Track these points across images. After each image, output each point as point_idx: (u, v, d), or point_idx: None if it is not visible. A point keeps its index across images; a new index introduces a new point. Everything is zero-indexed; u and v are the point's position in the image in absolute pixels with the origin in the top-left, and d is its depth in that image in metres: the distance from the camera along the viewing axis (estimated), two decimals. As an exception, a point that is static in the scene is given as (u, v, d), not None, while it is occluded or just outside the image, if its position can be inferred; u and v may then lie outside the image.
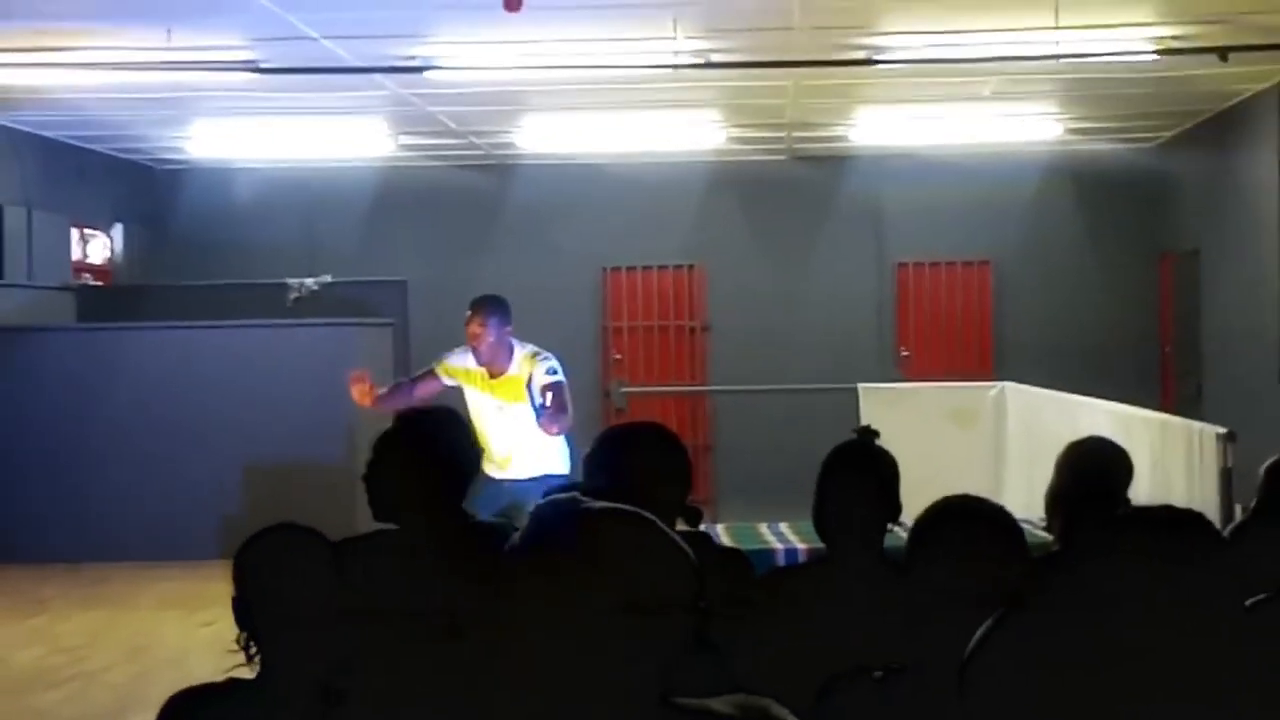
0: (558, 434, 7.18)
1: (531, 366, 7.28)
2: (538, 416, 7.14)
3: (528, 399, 7.27)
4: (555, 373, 7.28)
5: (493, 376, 7.34)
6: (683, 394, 14.09)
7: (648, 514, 2.02)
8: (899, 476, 3.39)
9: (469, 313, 7.39)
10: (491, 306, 7.37)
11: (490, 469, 7.23)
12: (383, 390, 7.61)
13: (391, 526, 3.40)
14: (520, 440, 7.31)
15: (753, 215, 14.68)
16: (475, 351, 7.34)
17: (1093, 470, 3.91)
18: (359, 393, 7.49)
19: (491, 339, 7.28)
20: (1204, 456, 6.64)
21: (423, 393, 7.47)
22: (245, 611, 2.95)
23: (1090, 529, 2.46)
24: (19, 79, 9.66)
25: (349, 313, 11.87)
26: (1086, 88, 11.14)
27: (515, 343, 7.39)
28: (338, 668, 2.79)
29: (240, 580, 2.96)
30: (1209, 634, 2.31)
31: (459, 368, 7.46)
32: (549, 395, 7.10)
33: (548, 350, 7.42)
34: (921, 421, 10.26)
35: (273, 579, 2.93)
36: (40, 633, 8.73)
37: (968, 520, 3.01)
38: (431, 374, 7.56)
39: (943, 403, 10.87)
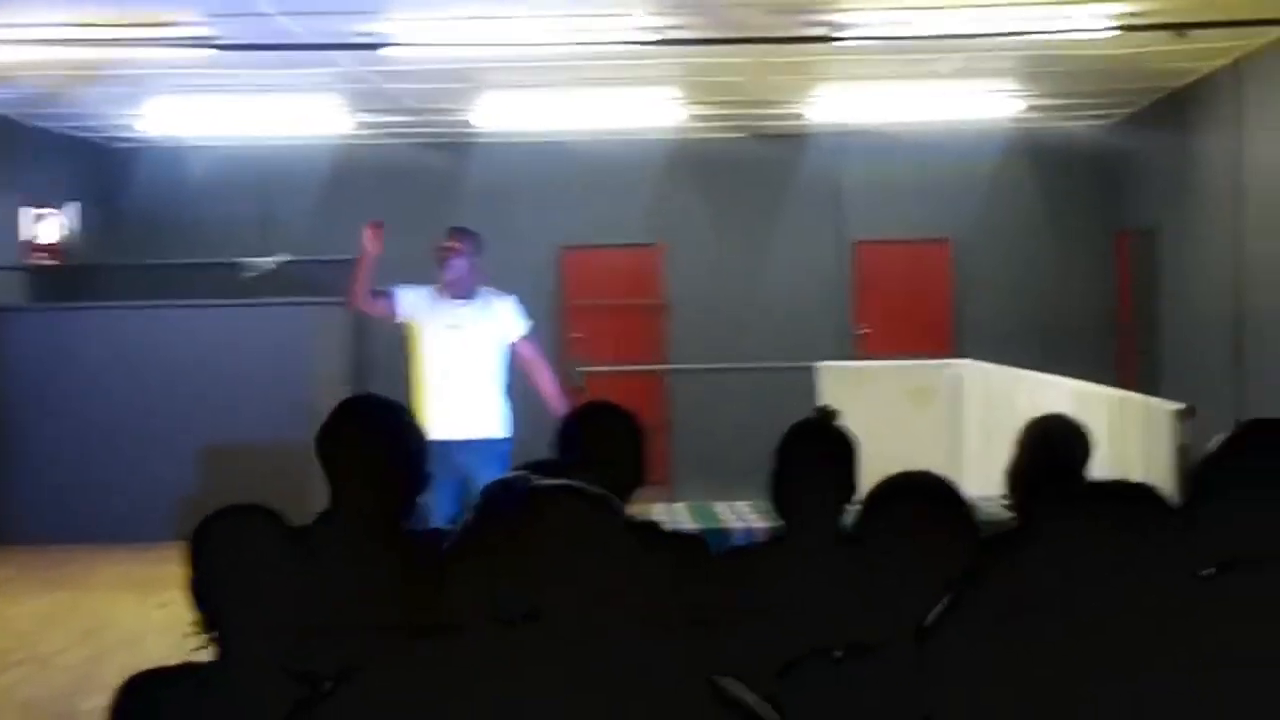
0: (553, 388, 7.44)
1: (499, 302, 7.51)
2: (510, 363, 7.39)
3: (491, 330, 7.40)
4: (523, 321, 7.54)
5: (457, 298, 7.39)
6: (641, 373, 14.05)
7: (600, 491, 2.00)
8: (858, 456, 3.38)
9: (440, 240, 7.53)
10: (468, 234, 7.55)
11: (433, 428, 7.10)
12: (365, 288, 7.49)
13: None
14: (473, 379, 7.33)
15: (712, 194, 14.66)
16: (446, 266, 7.39)
17: (1052, 447, 3.91)
18: (372, 239, 7.38)
19: (462, 257, 7.40)
20: (1160, 432, 6.66)
21: (380, 308, 7.51)
22: (201, 593, 2.90)
23: (1048, 504, 2.46)
24: (-32, 55, 9.54)
25: (306, 292, 11.76)
26: (1045, 65, 11.16)
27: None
28: (299, 650, 2.74)
29: (196, 561, 2.91)
30: (1163, 603, 2.31)
31: (418, 300, 7.47)
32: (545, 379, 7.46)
33: None
34: (880, 400, 10.26)
35: (228, 559, 2.88)
36: (-7, 615, 8.65)
37: (916, 495, 3.02)
38: (388, 293, 7.51)
39: (901, 381, 10.86)
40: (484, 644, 1.90)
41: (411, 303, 7.46)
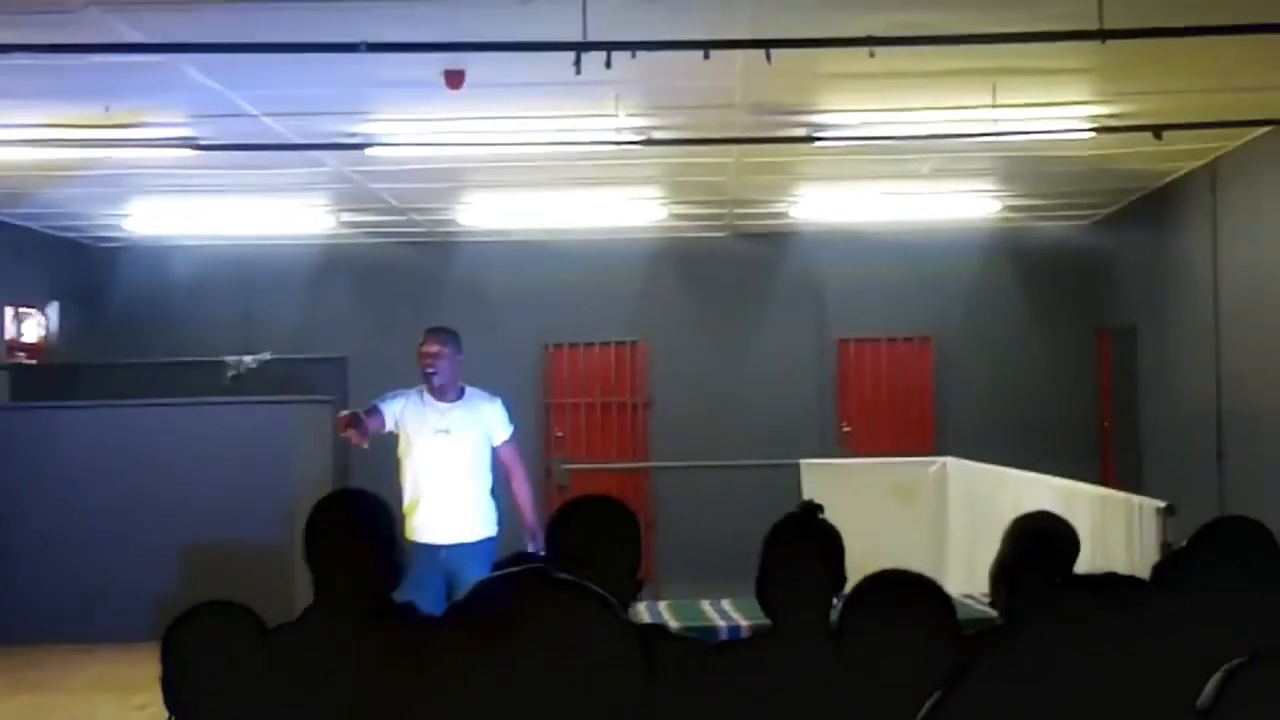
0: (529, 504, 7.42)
1: (487, 404, 7.44)
2: (493, 468, 7.35)
3: (478, 435, 7.34)
4: (511, 424, 7.49)
5: (441, 401, 7.31)
6: (625, 470, 14.04)
7: (593, 587, 1.99)
8: (843, 549, 3.37)
9: (422, 338, 7.44)
10: (447, 333, 7.47)
11: (422, 531, 7.18)
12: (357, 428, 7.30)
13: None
14: (461, 483, 7.28)
15: (694, 292, 14.73)
16: (430, 373, 7.29)
17: (1039, 544, 3.91)
18: (354, 436, 7.19)
19: (446, 360, 7.31)
20: (1144, 530, 6.67)
21: (372, 427, 7.33)
22: (172, 691, 2.87)
23: (1032, 595, 2.47)
24: (-46, 155, 9.58)
25: (288, 390, 11.77)
26: (1024, 166, 11.27)
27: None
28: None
29: (167, 658, 2.89)
30: (1147, 684, 2.31)
31: (405, 406, 7.36)
32: (518, 479, 7.44)
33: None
34: (863, 497, 10.26)
35: (201, 657, 2.86)
36: (-32, 718, 8.54)
37: (897, 592, 3.02)
38: (376, 410, 7.36)
39: (885, 478, 10.87)
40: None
41: (399, 410, 7.37)
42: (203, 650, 2.86)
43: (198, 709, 2.83)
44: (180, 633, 2.90)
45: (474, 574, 6.61)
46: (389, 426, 7.36)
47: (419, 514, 7.21)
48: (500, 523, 7.47)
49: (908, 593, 3.03)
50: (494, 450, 7.47)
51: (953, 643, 2.93)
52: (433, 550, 7.14)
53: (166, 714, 2.90)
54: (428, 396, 7.34)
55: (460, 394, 7.40)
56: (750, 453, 13.20)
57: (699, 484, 13.69)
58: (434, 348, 7.33)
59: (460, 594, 6.14)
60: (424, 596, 6.69)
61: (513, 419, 7.55)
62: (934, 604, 3.03)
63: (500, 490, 7.60)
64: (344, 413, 7.40)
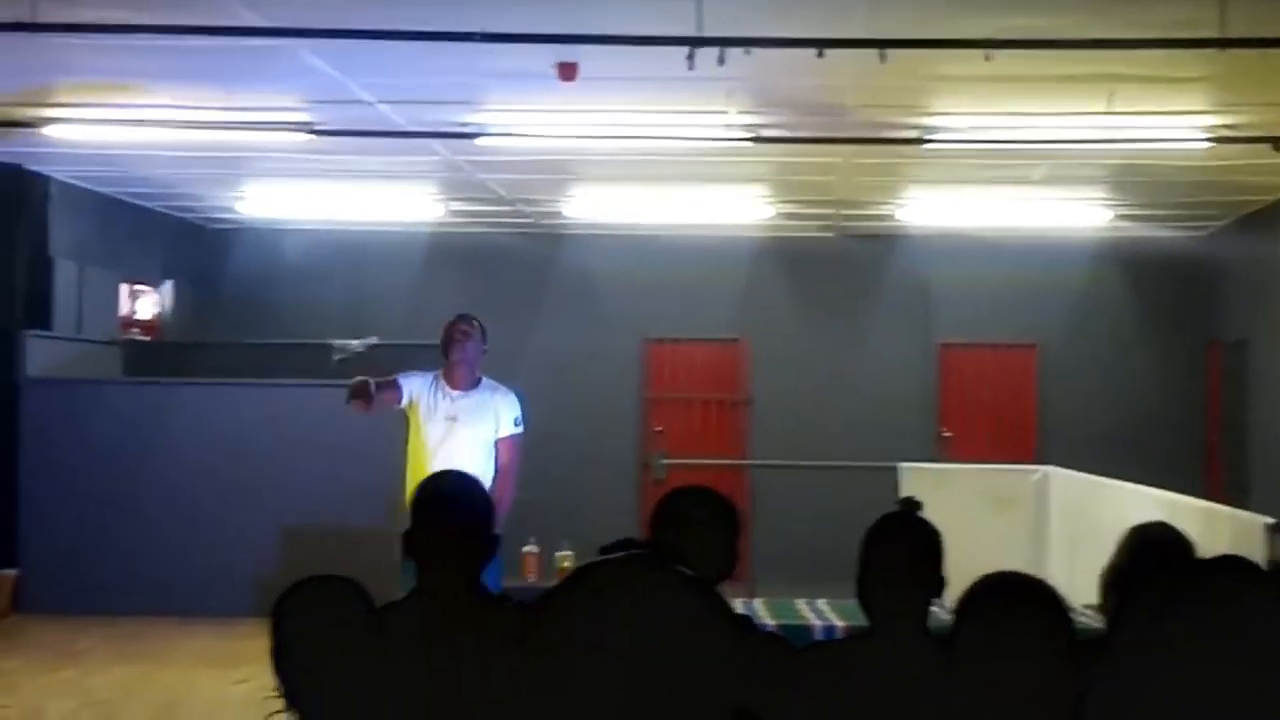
0: (505, 505, 6.96)
1: (500, 397, 7.23)
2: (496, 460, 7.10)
3: (485, 427, 7.15)
4: (520, 424, 7.26)
5: (457, 389, 7.14)
6: (722, 467, 14.04)
7: (690, 571, 2.01)
8: (943, 549, 3.35)
9: (452, 319, 7.26)
10: (476, 321, 7.31)
11: None
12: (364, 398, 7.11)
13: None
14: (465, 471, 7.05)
15: (798, 291, 14.70)
16: (454, 349, 7.11)
17: (1155, 553, 3.86)
18: (359, 405, 7.05)
19: (473, 345, 7.16)
20: (1252, 546, 6.56)
21: (388, 400, 7.18)
22: (282, 663, 2.93)
23: (1149, 589, 2.43)
24: (78, 134, 9.79)
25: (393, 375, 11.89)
26: (1137, 174, 11.13)
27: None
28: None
29: (278, 630, 2.94)
30: (1270, 666, 2.28)
31: (420, 386, 7.19)
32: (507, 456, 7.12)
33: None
34: (962, 503, 10.17)
35: (311, 631, 2.91)
36: (73, 685, 8.73)
37: (1014, 595, 2.99)
38: (395, 384, 7.21)
39: (984, 485, 10.78)
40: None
41: (414, 389, 7.21)
42: (313, 623, 2.91)
43: (306, 682, 2.88)
44: (291, 605, 2.95)
45: None
46: (402, 403, 7.20)
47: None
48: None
49: (1027, 598, 2.99)
50: (495, 444, 7.22)
51: (1066, 652, 2.89)
52: None
53: (275, 685, 2.95)
54: (442, 382, 7.18)
55: (476, 384, 7.23)
56: (849, 454, 13.15)
57: (796, 483, 13.66)
58: (465, 326, 7.21)
59: None
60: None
61: (526, 419, 7.30)
62: (1051, 611, 2.99)
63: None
64: (357, 379, 7.13)
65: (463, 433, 7.11)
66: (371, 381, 7.05)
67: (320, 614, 2.93)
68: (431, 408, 7.14)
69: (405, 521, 3.25)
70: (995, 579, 3.03)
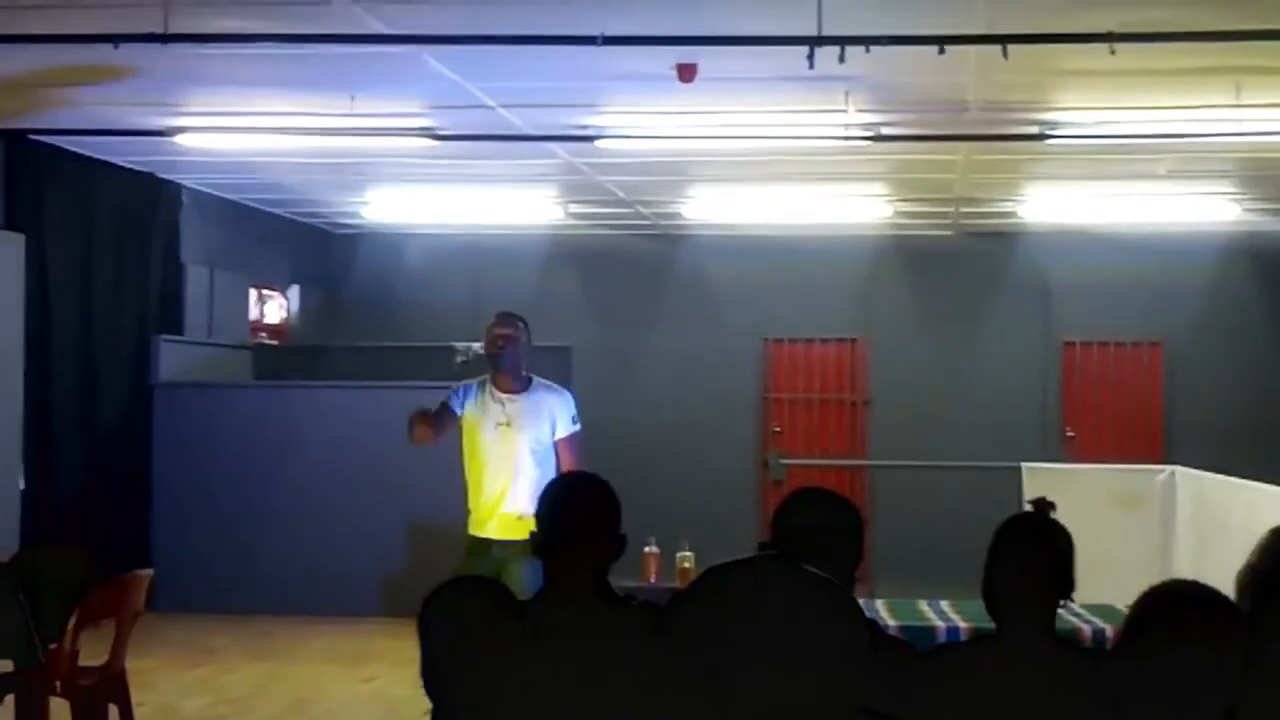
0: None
1: (554, 397, 6.91)
2: (555, 463, 6.78)
3: (541, 429, 6.83)
4: (576, 422, 6.92)
5: (508, 393, 6.82)
6: (842, 467, 14.00)
7: (826, 575, 2.04)
8: (1074, 551, 3.32)
9: (494, 320, 6.94)
10: (518, 318, 6.96)
11: (477, 525, 6.86)
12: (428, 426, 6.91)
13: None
14: (515, 479, 6.76)
15: (917, 290, 14.61)
16: (499, 356, 6.79)
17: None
18: (421, 433, 6.84)
19: (514, 344, 6.82)
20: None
21: (448, 423, 6.93)
22: (429, 662, 2.98)
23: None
24: (208, 143, 10.01)
25: (514, 377, 12.02)
26: (1265, 168, 10.92)
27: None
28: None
29: (424, 631, 3.00)
30: None
31: (468, 395, 6.91)
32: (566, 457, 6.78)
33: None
34: (1087, 504, 10.05)
35: (455, 630, 2.95)
36: (207, 682, 8.93)
37: (1192, 606, 2.92)
38: (445, 406, 6.92)
39: (1109, 485, 10.65)
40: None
41: (464, 401, 6.92)
42: (458, 625, 2.94)
43: (453, 682, 2.91)
44: (436, 607, 3.00)
45: (526, 572, 6.20)
46: (457, 414, 6.91)
47: (477, 506, 6.87)
48: None
49: (1205, 609, 2.92)
50: (554, 445, 6.90)
51: (1240, 663, 2.81)
52: (485, 545, 6.80)
53: (426, 692, 2.99)
54: (491, 388, 6.86)
55: (526, 384, 6.88)
56: (970, 454, 13.04)
57: (917, 483, 13.58)
58: (504, 330, 6.85)
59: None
60: None
61: (581, 417, 6.99)
62: (1230, 622, 2.93)
63: None
64: (415, 411, 6.88)
65: (517, 437, 6.79)
66: (429, 411, 6.82)
67: (465, 615, 2.97)
68: (483, 415, 6.83)
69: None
70: (1170, 588, 2.97)
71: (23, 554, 7.98)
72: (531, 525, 6.79)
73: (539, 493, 6.57)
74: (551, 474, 6.73)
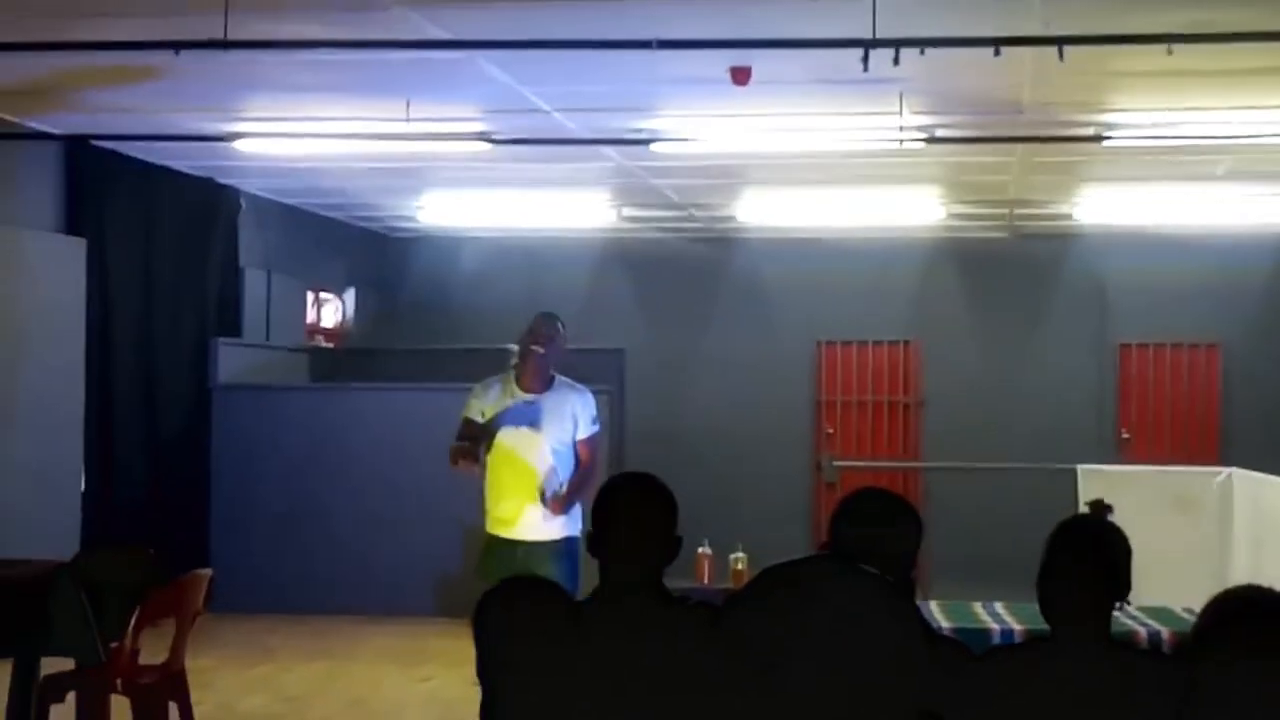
0: (565, 510, 6.68)
1: (575, 396, 6.84)
2: (574, 463, 6.74)
3: (563, 429, 6.76)
4: (596, 422, 6.87)
5: (528, 392, 6.76)
6: (895, 469, 13.97)
7: (881, 576, 2.06)
8: (1131, 553, 3.31)
9: (536, 319, 6.94)
10: (555, 320, 6.95)
11: (501, 526, 6.77)
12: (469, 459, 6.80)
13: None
14: (539, 480, 6.68)
15: (971, 292, 14.56)
16: (535, 357, 6.74)
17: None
18: (466, 466, 6.74)
19: (558, 347, 6.84)
20: None
21: (485, 440, 6.84)
22: (484, 660, 3.02)
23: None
24: (264, 148, 10.11)
25: (569, 379, 12.05)
26: (1325, 167, 10.83)
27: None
28: None
29: (480, 629, 3.04)
30: None
31: (483, 396, 6.88)
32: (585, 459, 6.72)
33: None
34: (1143, 506, 9.98)
35: (511, 628, 2.99)
36: (265, 681, 9.01)
37: (1263, 614, 2.90)
38: (472, 423, 6.86)
39: (1166, 487, 10.57)
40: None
41: (484, 402, 6.86)
42: (513, 623, 2.98)
43: (511, 683, 2.94)
44: (493, 607, 3.04)
45: (555, 572, 6.34)
46: (479, 416, 6.85)
47: (499, 508, 6.79)
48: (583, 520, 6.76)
49: (1275, 622, 2.88)
50: (574, 445, 6.84)
51: None
52: (510, 546, 6.71)
53: (480, 687, 3.03)
54: (513, 386, 6.81)
55: (549, 384, 6.82)
56: (1024, 456, 12.97)
57: (970, 485, 13.53)
58: (547, 331, 6.85)
59: None
60: None
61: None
62: None
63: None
64: (456, 445, 6.79)
65: (538, 437, 6.72)
66: (468, 445, 6.73)
67: (520, 614, 3.01)
68: (504, 413, 6.76)
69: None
70: (1242, 598, 2.95)
71: (85, 554, 8.12)
72: (558, 525, 6.83)
73: (560, 492, 6.69)
74: (569, 474, 6.76)
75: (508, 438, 6.75)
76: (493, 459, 6.80)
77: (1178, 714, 2.90)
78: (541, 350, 6.79)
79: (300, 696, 8.61)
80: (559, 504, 6.70)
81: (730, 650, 2.01)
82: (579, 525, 6.72)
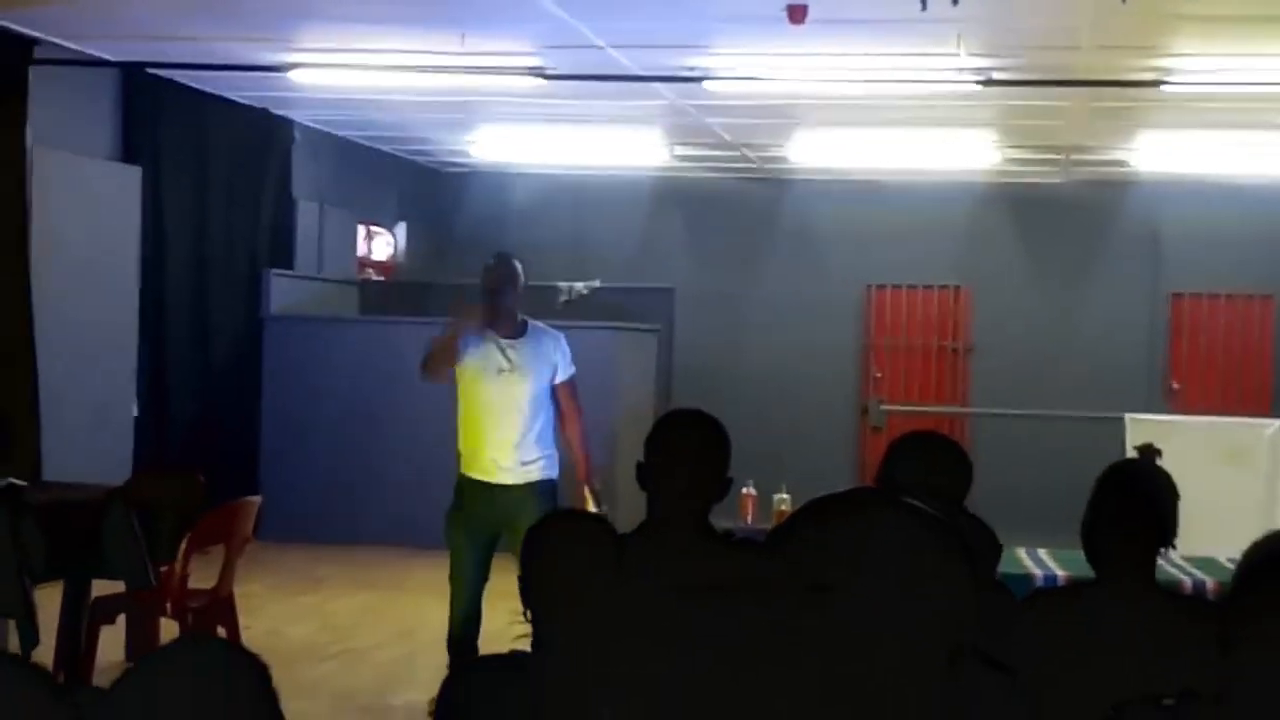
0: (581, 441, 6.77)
1: (550, 340, 6.74)
2: (553, 407, 6.69)
3: (542, 373, 6.67)
4: (572, 364, 6.78)
5: (505, 337, 6.62)
6: (942, 415, 13.93)
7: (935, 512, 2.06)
8: (1178, 499, 3.31)
9: (490, 264, 6.75)
10: (511, 260, 6.77)
11: (480, 469, 6.70)
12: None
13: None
14: (522, 422, 6.62)
15: (1023, 238, 14.45)
16: (496, 302, 6.57)
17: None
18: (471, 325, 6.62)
19: (519, 285, 6.65)
20: None
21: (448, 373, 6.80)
22: (530, 590, 3.06)
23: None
24: (319, 79, 10.12)
25: (616, 317, 12.09)
26: (1388, 118, 10.67)
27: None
28: (610, 647, 2.87)
29: (527, 559, 3.08)
30: None
31: (468, 343, 6.68)
32: (569, 400, 6.71)
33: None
34: (1192, 458, 9.92)
35: (558, 559, 3.03)
36: (313, 610, 9.13)
37: None
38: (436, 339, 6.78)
39: (1216, 439, 10.52)
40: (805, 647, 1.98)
41: (466, 346, 6.75)
42: (560, 555, 3.02)
43: (552, 610, 2.98)
44: (538, 541, 3.07)
45: (531, 516, 5.88)
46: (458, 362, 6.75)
47: (478, 452, 6.71)
48: (561, 463, 6.83)
49: None
50: (551, 390, 6.73)
51: None
52: (489, 489, 6.67)
53: (523, 612, 3.07)
54: (490, 332, 6.63)
55: (523, 328, 6.70)
56: (1074, 403, 12.93)
57: (1019, 432, 13.48)
58: (504, 270, 6.66)
59: (515, 537, 5.78)
60: (474, 536, 6.59)
61: (576, 359, 6.82)
62: None
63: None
64: (439, 344, 6.73)
65: (519, 382, 6.63)
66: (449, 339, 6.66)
67: (567, 546, 3.04)
68: (483, 360, 6.64)
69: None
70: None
71: (137, 478, 8.23)
72: (537, 468, 6.84)
73: (541, 437, 6.70)
74: (552, 418, 6.73)
75: (489, 384, 6.66)
76: (471, 403, 6.74)
77: (1221, 659, 2.90)
78: (501, 291, 6.63)
79: (347, 625, 8.73)
80: (596, 491, 6.82)
81: (784, 570, 2.02)
82: (556, 468, 6.75)
